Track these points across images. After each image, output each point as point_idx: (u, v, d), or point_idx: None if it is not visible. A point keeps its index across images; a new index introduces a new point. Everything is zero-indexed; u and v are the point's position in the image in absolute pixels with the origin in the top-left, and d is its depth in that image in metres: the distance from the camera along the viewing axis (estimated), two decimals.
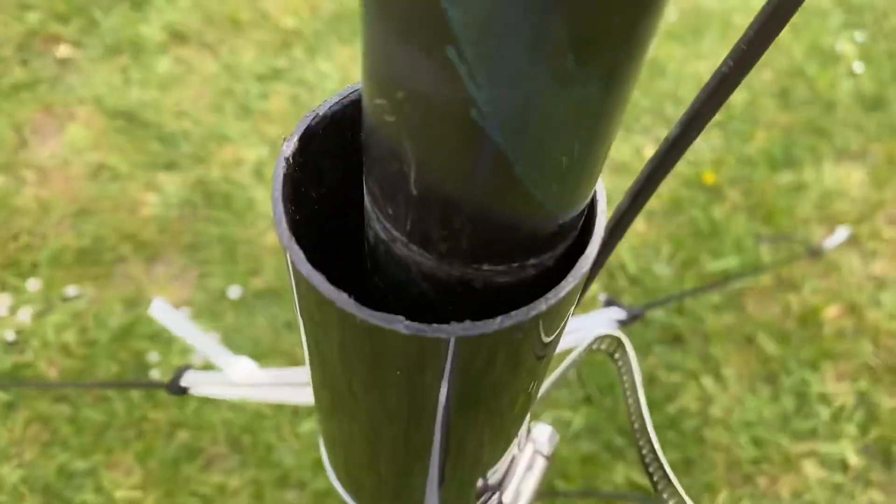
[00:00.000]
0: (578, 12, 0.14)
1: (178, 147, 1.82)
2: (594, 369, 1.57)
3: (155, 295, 1.61)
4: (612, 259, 1.72)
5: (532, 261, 0.22)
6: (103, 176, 1.78)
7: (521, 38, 0.15)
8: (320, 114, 0.25)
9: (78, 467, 1.43)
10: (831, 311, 1.69)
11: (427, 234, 0.21)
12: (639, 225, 1.78)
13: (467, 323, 0.21)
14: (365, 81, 0.19)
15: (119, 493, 1.41)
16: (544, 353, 0.26)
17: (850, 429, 1.55)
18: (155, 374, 1.52)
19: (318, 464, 1.45)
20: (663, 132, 1.94)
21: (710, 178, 1.85)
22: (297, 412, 1.50)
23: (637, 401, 0.41)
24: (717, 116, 1.97)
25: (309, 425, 1.48)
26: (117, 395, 1.50)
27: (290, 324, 1.58)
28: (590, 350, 0.45)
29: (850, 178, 1.90)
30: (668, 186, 1.84)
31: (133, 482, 1.42)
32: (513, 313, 0.21)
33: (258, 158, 1.82)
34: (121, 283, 1.64)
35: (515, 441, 0.36)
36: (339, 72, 1.97)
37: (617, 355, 0.43)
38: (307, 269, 0.21)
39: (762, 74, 2.08)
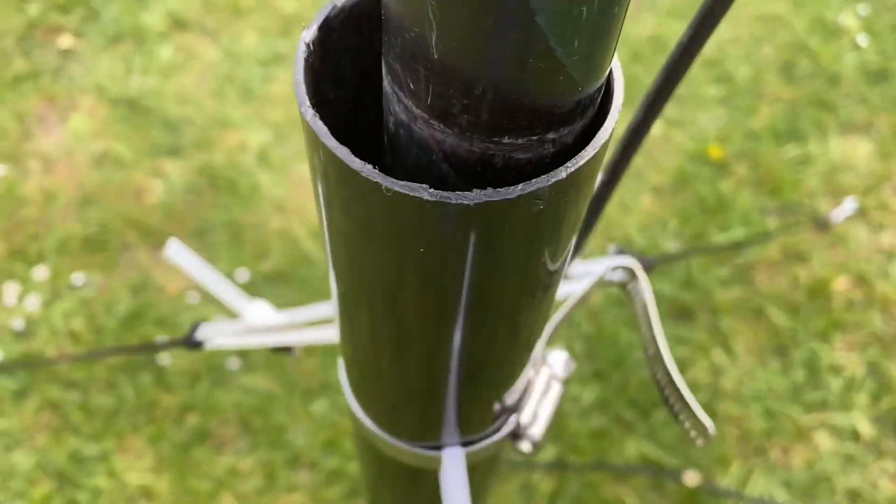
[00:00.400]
0: None
1: (182, 133, 1.82)
2: (603, 345, 1.57)
3: (162, 281, 1.61)
4: (620, 234, 1.71)
5: (551, 135, 0.22)
6: (107, 164, 1.78)
7: None
8: (339, 5, 0.25)
9: (90, 452, 1.44)
10: (840, 283, 1.68)
11: (447, 107, 0.21)
12: (646, 201, 1.77)
13: (489, 190, 0.20)
14: None
15: (131, 477, 1.41)
16: (557, 253, 0.26)
17: (862, 399, 1.54)
18: (164, 357, 1.52)
19: (330, 443, 1.45)
20: (669, 108, 1.93)
21: (715, 152, 1.85)
22: (309, 392, 1.50)
23: (651, 329, 0.41)
24: (721, 91, 1.96)
25: (320, 404, 1.48)
26: (127, 381, 1.50)
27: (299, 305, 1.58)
28: (603, 282, 0.44)
29: (856, 151, 1.89)
30: (673, 162, 1.83)
31: (145, 466, 1.43)
32: (533, 180, 0.21)
33: (262, 143, 1.81)
34: (127, 270, 1.64)
35: (530, 363, 0.36)
36: None
37: (630, 286, 0.43)
38: (332, 143, 0.21)
39: (764, 49, 2.07)
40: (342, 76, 0.27)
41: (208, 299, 1.58)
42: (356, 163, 0.21)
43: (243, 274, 1.62)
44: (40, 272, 1.62)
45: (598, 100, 0.23)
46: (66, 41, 1.99)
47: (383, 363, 0.32)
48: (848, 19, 2.15)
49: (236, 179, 1.76)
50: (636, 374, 1.54)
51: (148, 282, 1.62)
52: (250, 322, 0.47)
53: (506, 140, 0.22)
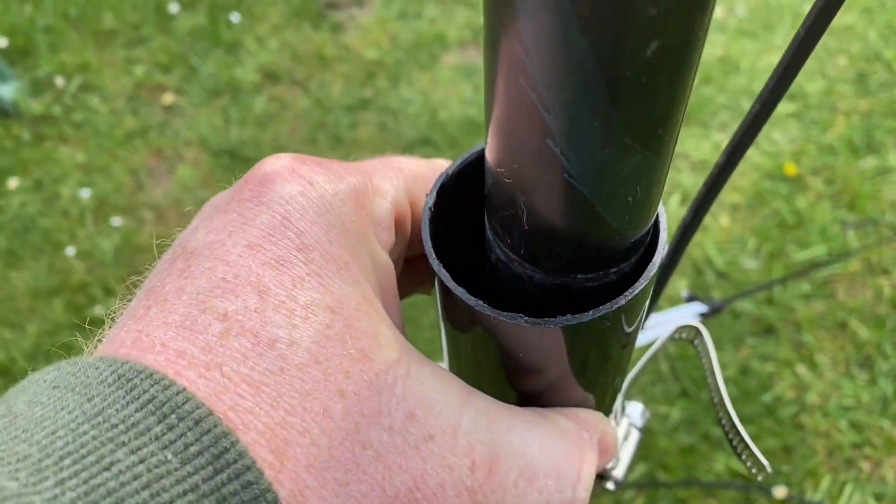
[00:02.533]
0: (633, 116, 0.23)
1: None
2: (688, 363, 1.62)
3: None
4: (699, 255, 1.76)
5: (613, 270, 0.30)
6: None
7: (597, 130, 0.23)
8: (449, 173, 0.34)
9: None
10: None
11: (536, 256, 0.29)
12: (723, 219, 1.81)
13: (569, 316, 0.29)
14: (489, 156, 0.28)
15: None
16: (627, 340, 0.34)
17: None
18: None
19: None
20: None
21: (791, 169, 1.87)
22: None
23: (714, 379, 0.49)
24: (794, 107, 1.99)
25: None
26: None
27: None
28: (672, 339, 0.52)
29: None
30: (749, 180, 1.87)
31: None
32: (601, 307, 0.29)
33: None
34: None
35: (612, 416, 0.44)
36: (420, 96, 2.07)
37: (696, 342, 0.51)
38: (453, 285, 0.30)
39: (837, 61, 2.08)
40: (448, 217, 0.36)
41: None
42: (471, 300, 0.30)
43: None
44: None
45: (649, 237, 0.31)
46: (169, 98, 2.16)
47: None
48: None
49: None
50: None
51: None
52: None
53: (579, 276, 0.30)
